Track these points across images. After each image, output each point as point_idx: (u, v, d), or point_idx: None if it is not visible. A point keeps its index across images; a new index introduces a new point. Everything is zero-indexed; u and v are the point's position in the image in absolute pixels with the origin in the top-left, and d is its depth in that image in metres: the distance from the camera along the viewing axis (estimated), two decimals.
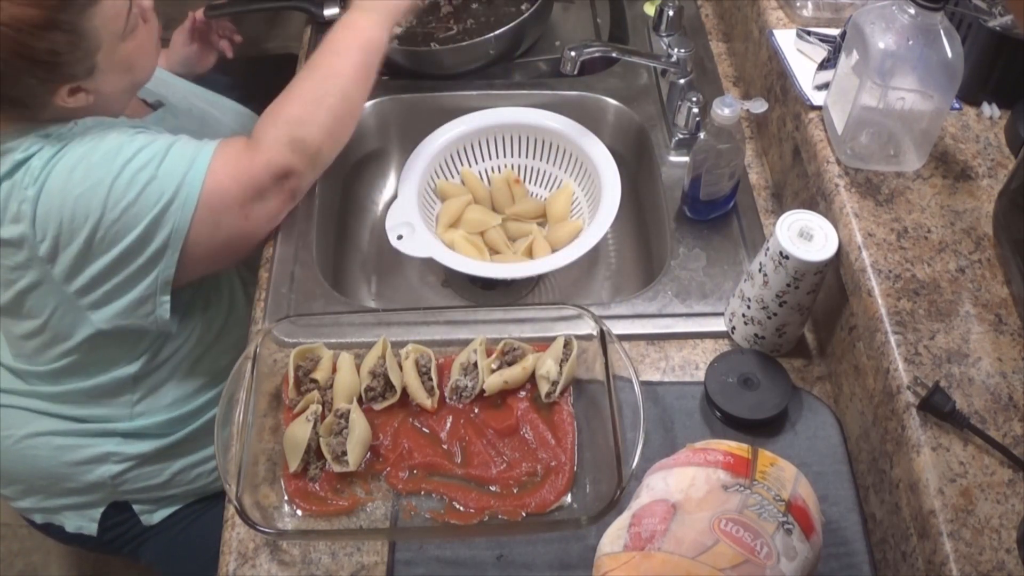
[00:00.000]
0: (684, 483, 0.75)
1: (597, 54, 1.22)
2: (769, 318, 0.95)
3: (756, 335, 0.98)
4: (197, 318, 1.18)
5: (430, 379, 0.96)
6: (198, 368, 1.20)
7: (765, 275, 0.92)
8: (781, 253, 0.88)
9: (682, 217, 1.15)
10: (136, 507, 1.24)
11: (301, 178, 1.06)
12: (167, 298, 1.04)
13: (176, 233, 0.99)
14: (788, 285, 0.90)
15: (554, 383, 0.94)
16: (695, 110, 1.20)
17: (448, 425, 0.94)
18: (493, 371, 0.96)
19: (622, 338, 0.99)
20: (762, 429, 0.93)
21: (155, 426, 1.19)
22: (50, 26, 0.91)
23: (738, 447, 0.79)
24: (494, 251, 1.21)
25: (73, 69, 0.96)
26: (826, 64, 1.05)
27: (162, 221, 0.98)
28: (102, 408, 1.17)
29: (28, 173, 0.96)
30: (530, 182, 1.29)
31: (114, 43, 0.97)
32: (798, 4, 1.17)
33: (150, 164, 0.97)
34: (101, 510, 1.23)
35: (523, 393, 0.96)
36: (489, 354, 0.97)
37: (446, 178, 1.25)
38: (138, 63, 1.03)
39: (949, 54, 0.87)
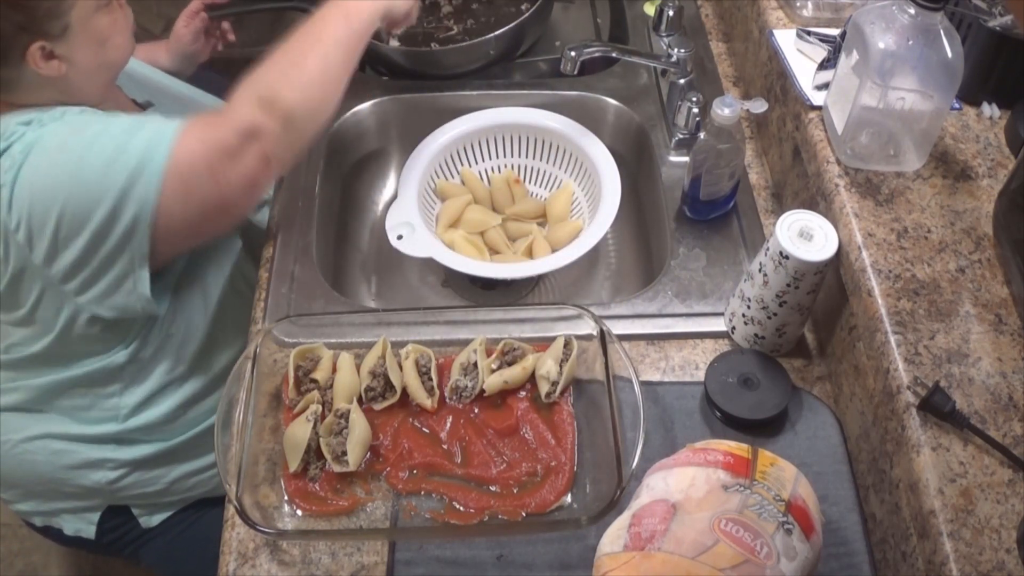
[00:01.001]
0: (684, 483, 0.75)
1: (597, 54, 1.22)
2: (769, 318, 0.95)
3: (756, 335, 0.98)
4: (186, 308, 1.16)
5: (430, 379, 0.96)
6: (189, 360, 1.19)
7: (765, 275, 0.92)
8: (781, 253, 0.88)
9: (682, 217, 1.15)
10: (135, 510, 1.24)
11: (273, 140, 0.99)
12: (145, 272, 1.02)
13: (144, 206, 0.96)
14: (788, 285, 0.90)
15: (554, 383, 0.94)
16: (695, 110, 1.20)
17: (448, 425, 0.94)
18: (493, 371, 0.96)
19: (622, 338, 0.99)
20: (762, 429, 0.93)
21: (148, 428, 1.18)
22: None
23: (738, 447, 0.79)
24: (494, 251, 1.21)
25: (47, 25, 0.95)
26: (826, 64, 1.05)
27: (130, 194, 0.95)
28: (88, 399, 1.17)
29: (8, 158, 0.96)
30: (530, 182, 1.29)
31: (88, 9, 0.98)
32: (798, 4, 1.17)
33: (121, 136, 0.96)
34: (99, 513, 1.23)
35: (523, 393, 0.96)
36: (489, 354, 0.97)
37: (446, 178, 1.25)
38: (112, 40, 1.03)
39: (949, 54, 0.87)
